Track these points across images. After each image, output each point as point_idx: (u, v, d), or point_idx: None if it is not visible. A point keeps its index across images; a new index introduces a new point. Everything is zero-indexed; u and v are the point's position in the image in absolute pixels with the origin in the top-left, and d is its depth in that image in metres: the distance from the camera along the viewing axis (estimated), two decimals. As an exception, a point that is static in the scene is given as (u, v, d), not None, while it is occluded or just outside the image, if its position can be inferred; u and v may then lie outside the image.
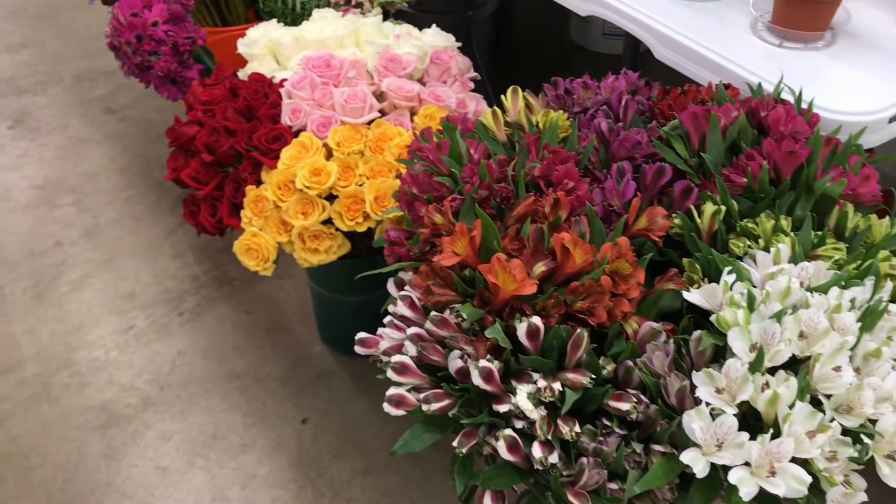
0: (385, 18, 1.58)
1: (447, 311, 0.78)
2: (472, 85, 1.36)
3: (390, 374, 0.78)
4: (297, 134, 1.22)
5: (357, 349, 0.85)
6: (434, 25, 1.42)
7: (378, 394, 1.61)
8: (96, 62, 2.50)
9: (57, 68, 2.48)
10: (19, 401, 1.53)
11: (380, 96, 1.26)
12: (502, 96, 1.02)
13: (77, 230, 1.90)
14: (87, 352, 1.62)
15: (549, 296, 0.75)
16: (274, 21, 1.44)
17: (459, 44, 1.41)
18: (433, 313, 0.77)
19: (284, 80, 1.27)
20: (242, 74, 1.40)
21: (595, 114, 0.99)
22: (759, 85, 0.98)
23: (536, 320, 0.73)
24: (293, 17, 1.76)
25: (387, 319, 0.83)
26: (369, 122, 1.21)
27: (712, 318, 0.72)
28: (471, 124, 1.03)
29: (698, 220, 0.84)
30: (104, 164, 2.10)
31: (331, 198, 1.17)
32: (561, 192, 0.84)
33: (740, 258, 0.81)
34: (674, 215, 0.85)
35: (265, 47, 1.37)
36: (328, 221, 1.18)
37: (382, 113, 1.24)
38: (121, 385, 1.56)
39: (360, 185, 1.17)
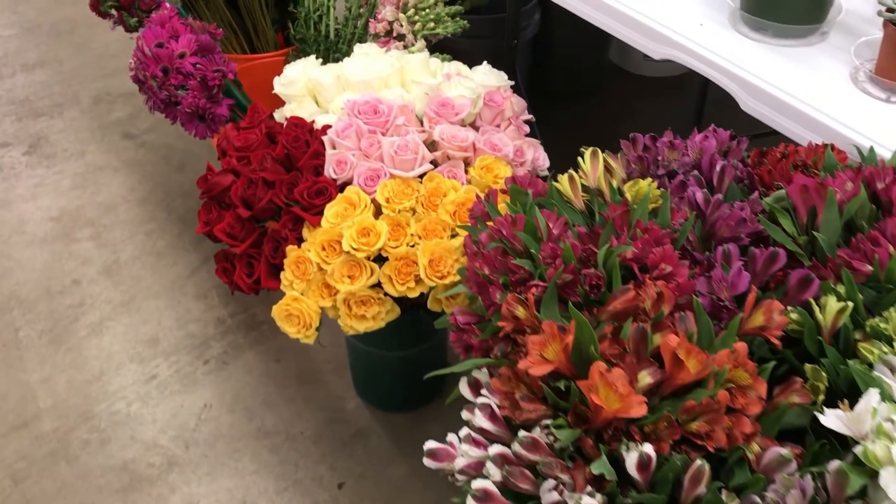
0: (427, 45, 1.47)
1: (537, 429, 0.67)
2: (527, 128, 1.26)
3: (471, 502, 0.67)
4: (342, 188, 1.11)
5: (426, 462, 0.74)
6: (486, 63, 1.31)
7: (419, 455, 1.51)
8: (114, 83, 2.40)
9: (74, 89, 2.38)
10: (36, 459, 1.43)
11: (430, 145, 1.16)
12: (579, 158, 0.91)
13: (95, 267, 1.80)
14: (107, 404, 1.52)
15: (661, 416, 0.65)
16: (312, 58, 1.33)
17: (511, 83, 1.30)
18: (522, 434, 0.66)
19: (327, 126, 1.17)
20: (279, 116, 1.30)
21: (686, 179, 0.88)
22: (872, 149, 0.87)
23: (648, 450, 0.62)
24: (326, 45, 1.66)
25: (463, 432, 0.72)
26: (420, 175, 1.11)
27: (857, 450, 0.61)
28: (541, 188, 0.93)
29: (819, 315, 0.73)
30: (123, 194, 2.00)
31: (379, 259, 1.07)
32: (662, 282, 0.73)
33: (871, 365, 0.70)
34: (789, 309, 0.74)
35: (304, 88, 1.27)
36: (376, 285, 1.07)
37: (434, 163, 1.14)
38: (143, 442, 1.46)
39: (412, 246, 1.06)
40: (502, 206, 0.96)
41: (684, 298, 0.75)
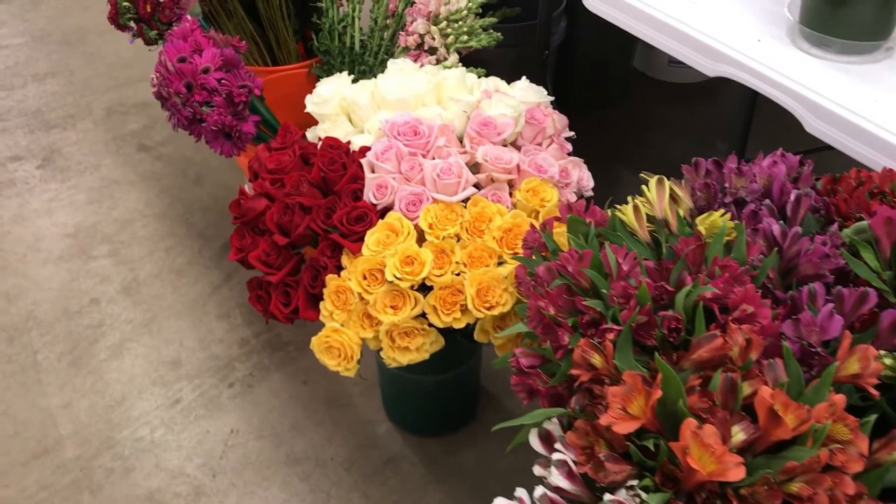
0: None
1: (622, 491, 0.62)
2: (569, 146, 1.21)
3: (553, 571, 0.62)
4: (382, 213, 1.06)
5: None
6: (524, 79, 1.26)
7: (454, 482, 1.47)
8: (127, 93, 2.35)
9: (86, 100, 2.33)
10: (58, 489, 1.39)
11: (472, 166, 1.11)
12: (643, 186, 0.86)
13: (114, 286, 1.76)
14: (130, 430, 1.47)
15: (759, 478, 0.60)
16: (344, 75, 1.28)
17: (552, 98, 1.26)
18: (608, 498, 0.61)
19: (365, 148, 1.12)
20: (311, 135, 1.25)
21: (758, 209, 0.83)
22: (955, 176, 0.82)
23: (750, 517, 0.58)
24: (352, 57, 1.61)
25: (538, 492, 0.67)
26: (464, 200, 1.06)
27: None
28: (601, 217, 0.88)
29: (915, 361, 0.68)
30: (140, 208, 1.95)
31: (423, 288, 1.02)
32: (748, 326, 0.68)
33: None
34: (881, 353, 0.69)
35: (338, 106, 1.22)
36: (420, 315, 1.03)
37: (477, 186, 1.09)
38: (169, 471, 1.41)
39: (458, 275, 1.02)
40: (558, 235, 0.91)
41: (769, 341, 0.70)
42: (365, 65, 1.59)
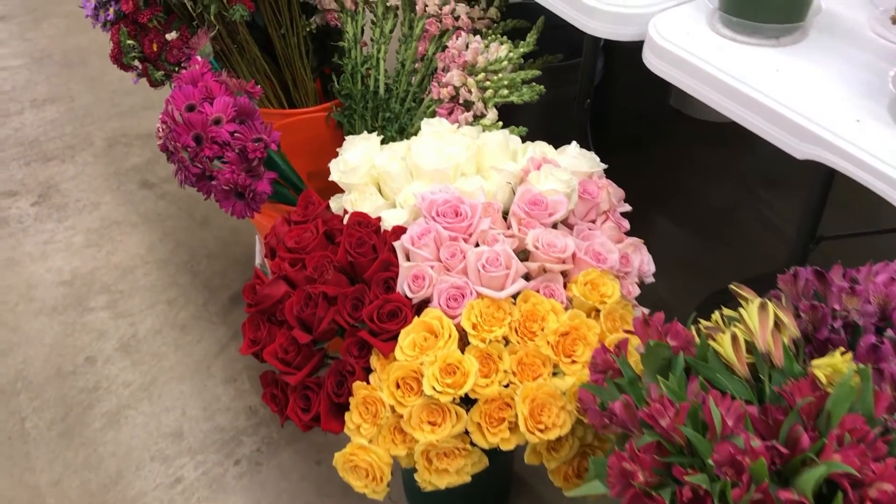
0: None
1: None
2: (626, 223, 1.07)
3: None
4: (418, 309, 0.93)
5: None
6: (574, 145, 1.13)
7: None
8: (130, 123, 2.22)
9: (87, 129, 2.20)
10: (44, 584, 1.25)
11: (521, 252, 0.97)
12: (740, 309, 0.73)
13: (112, 342, 1.62)
14: (125, 515, 1.34)
15: None
16: (373, 137, 1.15)
17: (605, 166, 1.12)
18: None
19: (398, 228, 0.98)
20: (335, 205, 1.11)
21: (878, 343, 0.69)
22: None
23: None
24: (376, 102, 1.48)
25: None
26: (513, 294, 0.92)
27: None
28: (684, 338, 0.74)
29: None
30: (141, 253, 1.82)
31: (465, 398, 0.88)
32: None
33: None
34: None
35: (367, 175, 1.08)
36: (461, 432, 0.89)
37: (526, 277, 0.95)
38: (168, 565, 1.27)
39: (506, 386, 0.88)
40: (633, 357, 0.77)
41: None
42: (390, 111, 1.46)
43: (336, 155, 1.61)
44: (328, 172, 1.63)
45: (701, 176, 2.08)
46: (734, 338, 0.70)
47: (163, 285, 1.74)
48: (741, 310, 0.72)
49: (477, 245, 0.96)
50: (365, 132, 1.19)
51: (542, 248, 0.94)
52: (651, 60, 1.07)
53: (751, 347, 0.71)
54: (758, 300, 0.71)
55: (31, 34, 2.62)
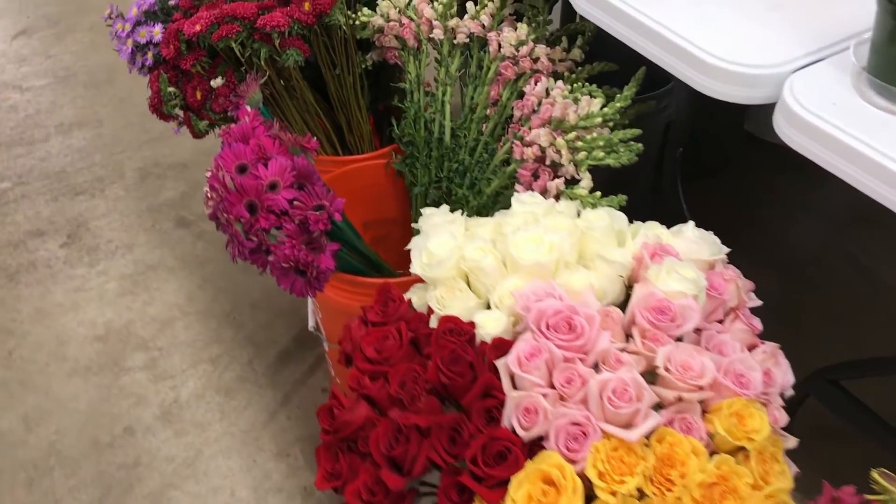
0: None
1: None
2: (758, 324, 0.92)
3: None
4: (531, 448, 0.78)
5: None
6: (691, 225, 0.97)
7: None
8: (162, 151, 2.08)
9: (116, 158, 2.06)
10: None
11: (648, 373, 0.82)
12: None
13: (152, 409, 1.49)
14: None
15: None
16: (458, 221, 0.99)
17: (728, 249, 0.97)
18: None
19: (500, 342, 0.84)
20: (418, 300, 0.96)
21: None
22: None
23: None
24: (441, 151, 1.33)
25: None
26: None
27: None
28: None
29: None
30: (180, 303, 1.68)
31: (590, 560, 0.74)
32: None
33: None
34: None
35: (454, 268, 0.93)
36: None
37: (657, 406, 0.80)
38: None
39: (641, 549, 0.73)
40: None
41: None
42: (458, 162, 1.31)
43: (394, 203, 1.48)
44: (386, 222, 1.50)
45: (778, 208, 1.92)
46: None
47: (204, 341, 1.60)
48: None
49: (595, 367, 0.81)
50: (445, 207, 1.04)
51: (676, 373, 0.79)
52: (787, 133, 0.92)
53: None
54: None
55: (55, 50, 2.48)
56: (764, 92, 0.95)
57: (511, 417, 0.79)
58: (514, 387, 0.81)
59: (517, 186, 1.15)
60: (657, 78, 1.26)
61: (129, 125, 2.17)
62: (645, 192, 1.59)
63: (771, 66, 0.93)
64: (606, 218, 0.96)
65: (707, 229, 1.01)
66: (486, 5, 1.30)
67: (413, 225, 1.08)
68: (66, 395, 1.52)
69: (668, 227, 0.98)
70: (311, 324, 1.44)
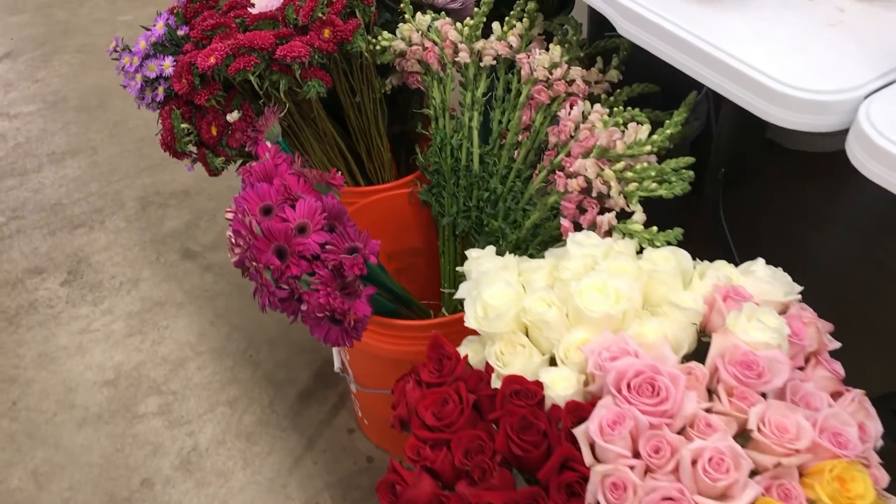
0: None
1: None
2: (841, 370, 0.86)
3: None
4: (620, 527, 0.71)
5: None
6: (761, 261, 0.91)
7: None
8: (163, 177, 1.99)
9: (114, 187, 1.98)
10: None
11: (740, 436, 0.76)
12: None
13: (170, 458, 1.41)
14: None
15: None
16: (510, 261, 0.93)
17: (801, 288, 0.91)
18: None
19: (575, 406, 0.77)
20: (475, 356, 0.90)
21: None
22: None
23: None
24: (470, 180, 1.26)
25: None
26: None
27: None
28: None
29: None
30: (192, 342, 1.60)
31: None
32: None
33: None
34: None
35: (513, 321, 0.87)
36: None
37: (752, 472, 0.74)
38: None
39: None
40: None
41: None
42: (489, 191, 1.24)
43: (418, 233, 1.41)
44: (410, 252, 1.43)
45: (802, 216, 1.86)
46: None
47: (220, 383, 1.53)
48: None
49: (681, 431, 0.75)
50: (492, 249, 0.97)
51: (772, 436, 0.73)
52: (866, 164, 0.85)
53: None
54: None
55: (42, 73, 2.39)
56: (836, 119, 0.88)
57: (597, 493, 0.72)
58: (595, 457, 0.74)
59: (562, 220, 1.08)
60: (667, 89, 1.20)
61: (124, 151, 2.09)
62: (675, 213, 1.53)
63: (843, 90, 0.87)
64: (672, 259, 0.89)
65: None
66: (515, 25, 1.23)
67: (458, 268, 1.01)
68: (77, 446, 1.44)
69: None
70: (336, 364, 1.37)
